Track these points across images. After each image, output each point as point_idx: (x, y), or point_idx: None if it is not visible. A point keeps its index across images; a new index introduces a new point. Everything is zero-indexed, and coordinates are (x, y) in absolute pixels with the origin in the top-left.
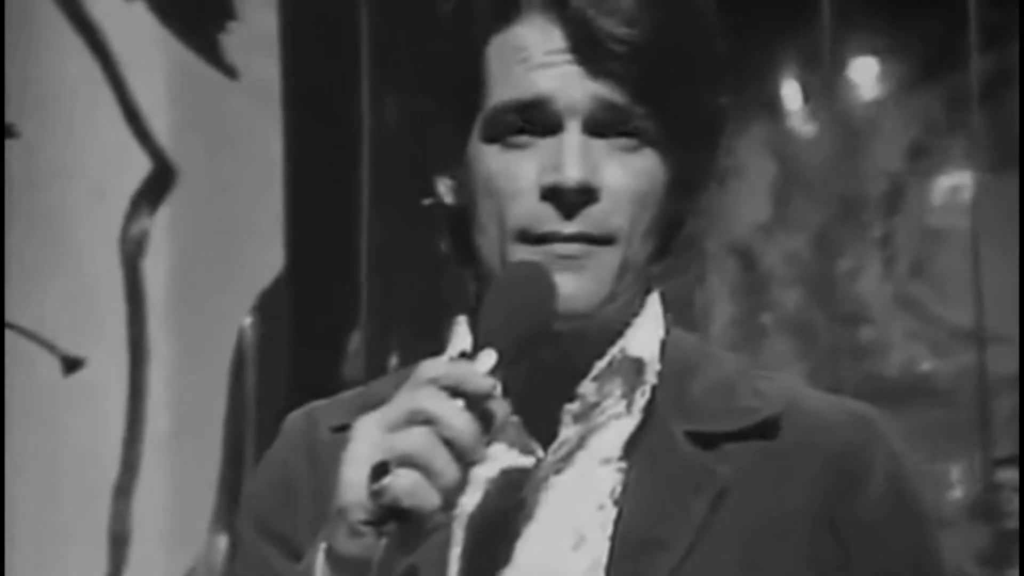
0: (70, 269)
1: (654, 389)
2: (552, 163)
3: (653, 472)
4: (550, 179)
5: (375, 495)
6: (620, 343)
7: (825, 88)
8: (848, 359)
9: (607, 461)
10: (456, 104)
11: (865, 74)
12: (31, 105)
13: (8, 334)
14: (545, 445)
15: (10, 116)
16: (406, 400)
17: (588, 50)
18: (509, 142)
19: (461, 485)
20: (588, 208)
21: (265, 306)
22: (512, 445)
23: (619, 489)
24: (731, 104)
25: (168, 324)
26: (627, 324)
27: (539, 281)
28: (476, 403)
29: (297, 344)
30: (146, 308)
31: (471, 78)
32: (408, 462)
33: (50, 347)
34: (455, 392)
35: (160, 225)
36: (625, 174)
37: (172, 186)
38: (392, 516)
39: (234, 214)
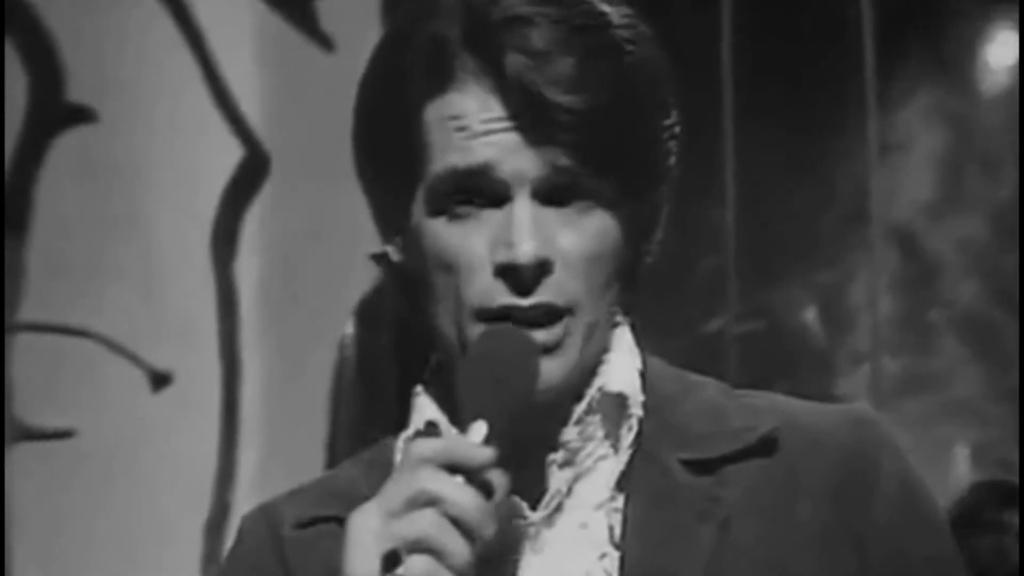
0: (154, 271)
1: (640, 422)
2: (504, 239)
3: (652, 507)
4: (503, 257)
5: None
6: (596, 382)
7: (1005, 39)
8: None
9: (599, 505)
10: (396, 169)
11: None
12: (109, 85)
13: (86, 344)
14: (531, 501)
15: (87, 98)
16: (405, 483)
17: (531, 118)
18: (455, 213)
19: (473, 564)
20: (545, 280)
21: (368, 313)
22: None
23: (618, 531)
24: (678, 135)
25: (262, 334)
26: (600, 362)
27: (519, 346)
28: (475, 476)
29: (405, 357)
30: (239, 316)
31: (409, 143)
32: (419, 547)
33: (136, 360)
34: (453, 469)
35: (253, 221)
36: (579, 239)
37: (265, 176)
38: None
39: (334, 207)
